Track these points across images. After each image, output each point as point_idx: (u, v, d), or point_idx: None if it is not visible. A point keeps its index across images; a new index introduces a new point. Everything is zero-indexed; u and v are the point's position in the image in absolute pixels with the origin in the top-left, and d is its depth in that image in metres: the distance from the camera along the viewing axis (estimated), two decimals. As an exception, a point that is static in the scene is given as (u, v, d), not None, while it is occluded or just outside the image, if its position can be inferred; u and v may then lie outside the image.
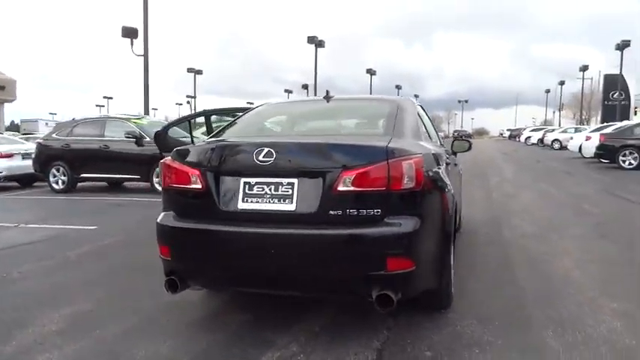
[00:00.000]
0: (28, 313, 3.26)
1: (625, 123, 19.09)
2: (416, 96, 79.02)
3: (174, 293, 2.86)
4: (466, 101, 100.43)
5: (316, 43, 34.30)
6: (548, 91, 72.20)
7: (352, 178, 2.52)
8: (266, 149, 2.64)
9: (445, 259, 2.91)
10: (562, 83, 61.85)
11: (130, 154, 9.82)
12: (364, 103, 3.86)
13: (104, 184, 11.27)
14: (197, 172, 2.78)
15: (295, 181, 2.62)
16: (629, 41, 36.14)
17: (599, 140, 15.64)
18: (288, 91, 65.07)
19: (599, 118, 49.33)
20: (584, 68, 49.90)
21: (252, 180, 2.69)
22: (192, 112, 6.71)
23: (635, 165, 14.26)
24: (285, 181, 2.64)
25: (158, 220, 2.94)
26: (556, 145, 29.40)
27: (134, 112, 13.19)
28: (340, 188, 2.53)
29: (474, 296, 3.42)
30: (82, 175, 10.37)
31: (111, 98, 75.57)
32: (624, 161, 14.45)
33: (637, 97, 44.32)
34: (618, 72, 38.94)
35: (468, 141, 4.89)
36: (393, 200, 2.55)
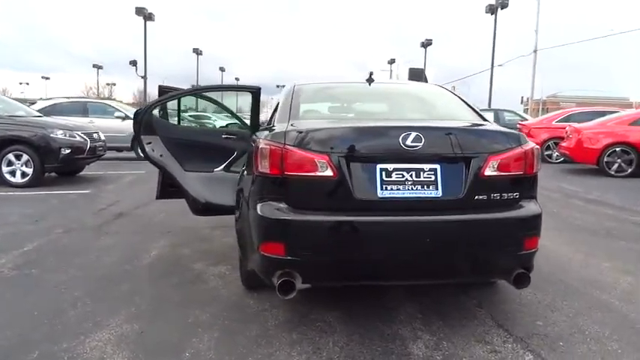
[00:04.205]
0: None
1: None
2: (236, 79, 78.95)
3: (287, 297, 2.51)
4: (283, 86, 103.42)
5: (145, 15, 31.58)
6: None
7: (498, 163, 2.57)
8: (414, 134, 2.49)
9: None
10: (371, 74, 68.37)
11: None
12: (413, 87, 3.86)
13: None
14: (326, 159, 2.48)
15: (437, 166, 2.55)
16: (432, 40, 41.73)
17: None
18: (98, 66, 58.90)
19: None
20: (392, 61, 55.94)
21: (390, 166, 2.52)
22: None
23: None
24: (426, 167, 2.54)
25: (262, 213, 2.54)
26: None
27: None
28: (487, 173, 2.55)
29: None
30: None
31: None
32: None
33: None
34: (420, 66, 44.73)
35: None
36: (525, 184, 2.68)
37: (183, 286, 3.48)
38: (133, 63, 34.15)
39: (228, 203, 4.17)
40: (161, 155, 4.03)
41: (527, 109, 34.41)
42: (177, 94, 4.23)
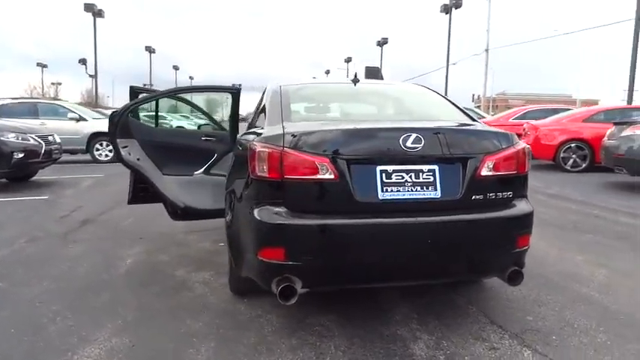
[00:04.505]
0: None
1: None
2: (191, 78, 77.51)
3: (288, 302, 2.46)
4: (239, 85, 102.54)
5: (95, 12, 30.39)
6: (314, 78, 79.22)
7: (493, 163, 2.61)
8: (414, 135, 2.50)
9: None
10: (327, 72, 68.77)
11: None
12: (400, 88, 3.86)
13: None
14: (326, 161, 2.45)
15: (436, 167, 2.56)
16: (387, 39, 42.36)
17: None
18: (42, 65, 56.39)
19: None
20: (348, 60, 56.46)
21: (390, 168, 2.52)
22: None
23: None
24: (425, 167, 2.55)
25: (260, 218, 2.48)
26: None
27: None
28: (483, 173, 2.59)
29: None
30: None
31: None
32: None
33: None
34: (376, 64, 45.31)
35: None
36: (518, 183, 2.74)
37: (168, 295, 3.36)
38: (83, 61, 32.84)
39: (209, 207, 4.08)
40: (138, 159, 3.88)
41: (479, 106, 35.53)
42: (156, 95, 4.08)
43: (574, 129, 10.46)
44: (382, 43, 42.13)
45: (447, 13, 29.70)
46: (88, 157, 13.21)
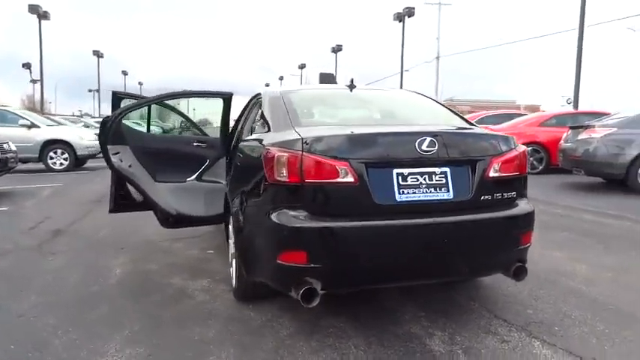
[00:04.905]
0: None
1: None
2: (140, 84, 75.35)
3: (310, 305, 2.49)
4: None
5: (40, 13, 29.08)
6: (267, 84, 78.94)
7: (499, 164, 2.75)
8: (429, 139, 2.59)
9: None
10: (281, 78, 68.72)
11: None
12: (395, 93, 3.96)
13: None
14: (346, 165, 2.50)
15: (447, 169, 2.67)
16: (342, 45, 42.89)
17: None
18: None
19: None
20: (303, 66, 56.66)
21: (406, 170, 2.60)
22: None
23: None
24: (438, 170, 2.65)
25: (280, 222, 2.50)
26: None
27: None
28: (491, 174, 2.72)
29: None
30: None
31: None
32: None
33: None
34: (330, 71, 45.73)
35: None
36: (518, 183, 2.89)
37: (169, 303, 3.30)
38: (27, 66, 31.30)
39: (201, 214, 4.03)
40: (130, 166, 3.78)
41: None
42: (149, 100, 3.99)
43: (530, 133, 10.99)
44: (336, 49, 42.62)
45: (400, 22, 30.46)
46: (41, 165, 12.63)
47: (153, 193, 3.80)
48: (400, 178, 2.59)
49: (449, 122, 3.22)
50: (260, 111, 3.50)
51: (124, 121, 3.78)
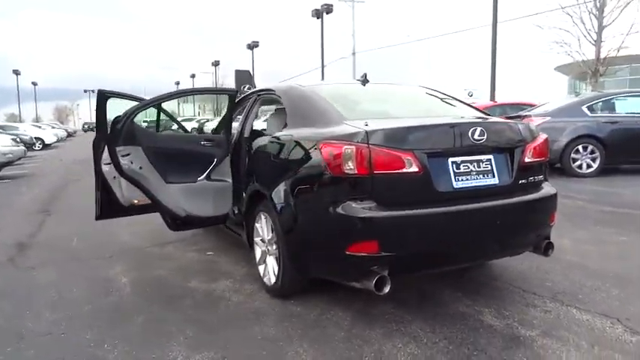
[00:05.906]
0: None
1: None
2: (34, 84, 69.42)
3: (382, 292, 2.59)
4: (92, 91, 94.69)
5: None
6: (178, 83, 76.26)
7: (532, 150, 3.00)
8: (479, 128, 2.77)
9: None
10: (193, 76, 66.74)
11: None
12: (414, 89, 4.09)
13: None
14: (411, 155, 2.61)
15: (491, 157, 2.87)
16: (258, 42, 42.56)
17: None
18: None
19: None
20: (216, 63, 55.43)
21: (459, 159, 2.77)
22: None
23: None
24: (484, 157, 2.85)
25: (350, 214, 2.57)
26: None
27: None
28: (527, 160, 2.97)
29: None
30: None
31: None
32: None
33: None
34: (247, 68, 45.26)
35: None
36: (544, 167, 3.18)
37: (207, 307, 3.21)
38: None
39: (210, 214, 3.93)
40: (140, 167, 3.59)
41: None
42: (159, 98, 3.79)
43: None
44: (253, 46, 42.21)
45: (318, 18, 30.86)
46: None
47: (164, 195, 3.64)
48: (454, 166, 2.75)
49: (473, 113, 3.44)
50: (280, 107, 3.49)
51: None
